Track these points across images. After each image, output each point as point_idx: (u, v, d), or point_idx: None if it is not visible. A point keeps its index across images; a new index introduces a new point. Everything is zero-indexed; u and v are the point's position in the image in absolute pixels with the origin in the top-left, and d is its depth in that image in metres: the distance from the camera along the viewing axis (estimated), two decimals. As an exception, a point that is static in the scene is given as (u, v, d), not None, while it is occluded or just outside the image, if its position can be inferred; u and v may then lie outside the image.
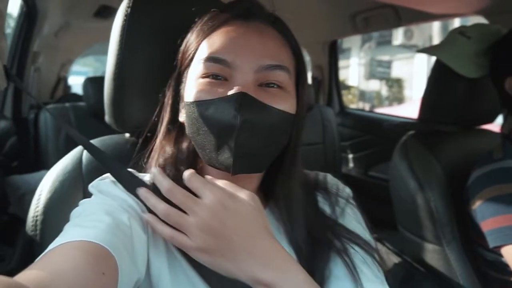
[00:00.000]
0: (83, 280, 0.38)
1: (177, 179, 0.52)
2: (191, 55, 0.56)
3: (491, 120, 1.16)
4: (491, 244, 0.88)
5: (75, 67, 4.33)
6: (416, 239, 1.04)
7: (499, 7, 1.32)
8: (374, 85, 12.51)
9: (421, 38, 10.03)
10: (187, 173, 0.48)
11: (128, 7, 0.67)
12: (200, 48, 0.55)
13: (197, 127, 0.53)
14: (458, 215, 1.00)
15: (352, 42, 12.63)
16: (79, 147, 0.73)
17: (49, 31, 2.13)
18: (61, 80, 3.10)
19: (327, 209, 0.63)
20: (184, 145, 0.59)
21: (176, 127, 0.60)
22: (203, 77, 0.53)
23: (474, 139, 1.15)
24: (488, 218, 0.89)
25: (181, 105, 0.59)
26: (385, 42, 11.33)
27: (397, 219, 1.12)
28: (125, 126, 0.71)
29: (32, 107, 2.14)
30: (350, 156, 2.32)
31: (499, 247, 0.87)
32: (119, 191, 0.53)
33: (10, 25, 1.96)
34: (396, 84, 12.04)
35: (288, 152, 0.58)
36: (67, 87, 3.49)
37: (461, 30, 1.10)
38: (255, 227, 0.46)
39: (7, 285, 0.32)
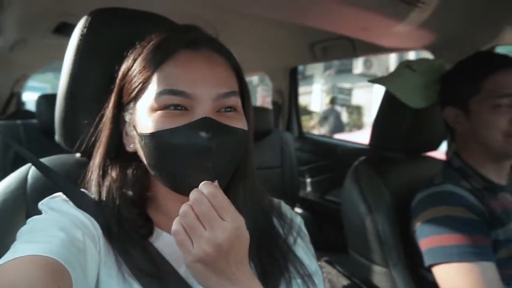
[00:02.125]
0: None
1: (124, 203, 0.56)
2: (139, 86, 0.56)
3: (435, 147, 1.24)
4: (426, 263, 0.92)
5: (32, 83, 4.18)
6: (365, 261, 1.07)
7: (444, 44, 1.43)
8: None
9: (380, 68, 10.54)
10: (213, 188, 0.50)
11: (84, 27, 0.68)
12: (153, 80, 0.54)
13: (161, 156, 0.54)
14: (404, 238, 1.04)
15: (315, 69, 13.06)
16: (25, 167, 0.71)
17: (3, 45, 2.06)
18: (14, 96, 2.97)
19: (280, 234, 0.66)
20: (132, 171, 0.59)
21: (122, 155, 0.60)
22: (161, 109, 0.53)
23: (419, 165, 1.21)
24: (425, 238, 0.94)
25: (130, 135, 0.59)
26: (347, 70, 11.80)
27: (348, 242, 1.15)
28: (74, 146, 0.70)
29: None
30: (308, 180, 2.37)
31: (432, 266, 0.91)
32: (71, 209, 0.54)
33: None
34: (356, 111, 12.50)
35: (240, 166, 0.61)
36: (21, 103, 3.35)
37: (407, 64, 1.17)
38: (243, 253, 0.51)
39: None
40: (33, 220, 0.52)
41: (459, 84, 1.02)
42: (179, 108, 0.53)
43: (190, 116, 0.53)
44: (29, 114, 2.55)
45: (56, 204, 0.55)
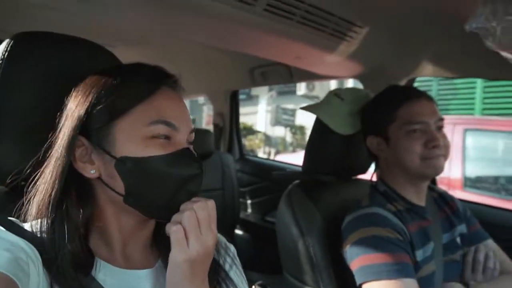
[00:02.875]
0: None
1: (68, 237, 0.56)
2: (120, 112, 0.58)
3: (363, 171, 1.32)
4: (358, 281, 0.97)
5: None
6: (298, 283, 1.10)
7: (371, 74, 1.55)
8: (280, 132, 13.20)
9: (322, 90, 10.97)
10: (211, 202, 0.58)
11: (6, 51, 0.65)
12: (141, 109, 0.58)
13: (147, 180, 0.57)
14: (335, 259, 1.09)
15: (260, 90, 13.32)
16: None
17: None
18: None
19: (217, 260, 0.70)
20: (84, 199, 0.59)
21: (71, 182, 0.58)
22: (152, 137, 0.57)
23: (349, 188, 1.28)
24: (356, 258, 0.98)
25: (89, 161, 0.59)
26: (290, 92, 12.16)
27: (282, 264, 1.18)
28: None
29: None
30: (249, 201, 2.39)
31: (362, 283, 0.96)
32: (11, 235, 0.54)
33: None
34: (299, 131, 12.87)
35: None
36: None
37: (336, 92, 1.25)
38: (209, 263, 0.59)
39: None
40: None
41: (378, 114, 1.11)
42: (162, 137, 0.58)
43: (173, 145, 0.58)
44: None
45: None
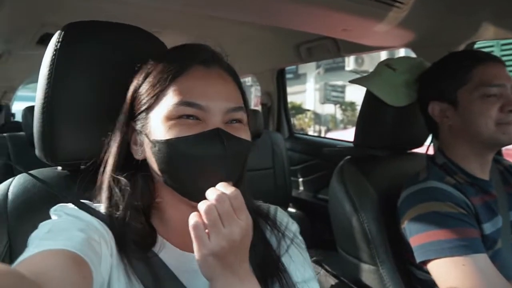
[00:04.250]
0: (70, 279, 0.43)
1: (132, 212, 0.59)
2: (154, 97, 0.59)
3: (419, 144, 1.26)
4: (418, 260, 0.93)
5: (25, 92, 4.16)
6: (353, 259, 1.09)
7: (424, 42, 1.45)
8: (329, 109, 12.96)
9: (371, 64, 10.58)
10: (235, 190, 0.53)
11: (58, 41, 0.68)
12: (169, 92, 0.58)
13: (175, 162, 0.57)
14: (391, 235, 1.06)
15: (307, 68, 13.10)
16: (5, 183, 0.71)
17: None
18: (3, 108, 2.96)
19: (273, 242, 0.69)
20: (140, 180, 0.62)
21: (130, 164, 0.62)
22: (176, 118, 0.57)
23: (404, 162, 1.23)
24: (415, 235, 0.95)
25: (140, 143, 0.62)
26: (339, 67, 11.84)
27: (336, 240, 1.17)
28: (56, 160, 0.71)
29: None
30: (300, 179, 2.38)
31: (424, 262, 0.93)
32: (87, 215, 0.58)
33: None
34: (349, 108, 12.54)
35: (240, 177, 0.64)
36: (10, 115, 3.34)
37: (387, 63, 1.19)
38: (247, 249, 0.56)
39: (4, 272, 0.35)
40: (49, 223, 0.55)
41: (447, 77, 1.03)
42: (192, 118, 0.57)
43: (203, 126, 0.57)
44: (18, 126, 2.55)
45: (72, 210, 0.58)
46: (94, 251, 0.50)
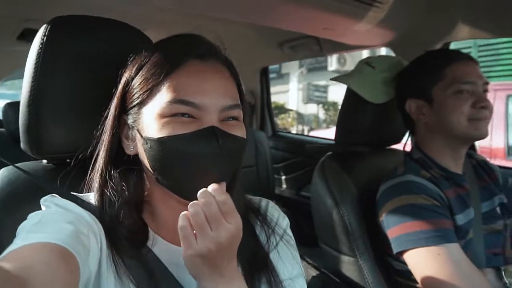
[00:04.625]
0: (56, 273, 0.42)
1: (123, 207, 0.59)
2: (147, 92, 0.57)
3: (398, 140, 1.30)
4: (395, 251, 0.97)
5: (1, 90, 4.07)
6: (333, 252, 1.12)
7: (403, 41, 1.50)
8: (312, 109, 13.05)
9: (353, 64, 10.70)
10: (223, 194, 0.53)
11: (44, 35, 0.69)
12: (163, 88, 0.56)
13: (168, 161, 0.55)
14: (370, 228, 1.09)
15: (290, 67, 13.16)
16: None
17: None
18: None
19: (262, 237, 0.68)
20: (131, 175, 0.61)
21: (122, 159, 0.61)
22: (170, 116, 0.55)
23: (383, 158, 1.27)
24: (392, 227, 0.98)
25: (130, 139, 0.61)
26: (321, 68, 11.93)
27: (317, 235, 1.19)
28: (41, 153, 0.71)
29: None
30: (283, 177, 2.41)
31: (401, 253, 0.96)
32: (76, 207, 0.57)
33: None
34: (332, 108, 12.66)
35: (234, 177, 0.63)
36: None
37: (367, 61, 1.23)
38: (235, 250, 0.56)
39: None
40: (39, 214, 0.54)
41: (421, 76, 1.07)
42: (186, 116, 0.55)
43: (197, 124, 0.55)
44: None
45: (62, 202, 0.58)
46: (82, 244, 0.50)
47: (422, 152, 1.09)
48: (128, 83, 0.60)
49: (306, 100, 12.45)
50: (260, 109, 2.46)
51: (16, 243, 0.46)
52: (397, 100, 1.15)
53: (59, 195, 0.60)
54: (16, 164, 0.71)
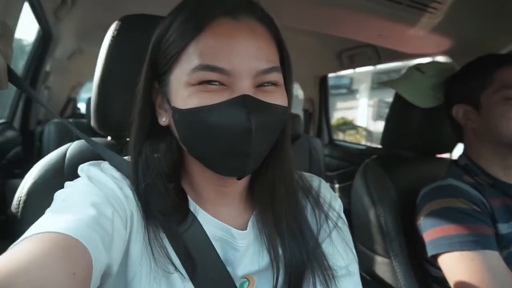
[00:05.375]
0: (52, 279, 0.37)
1: (159, 177, 0.55)
2: (173, 58, 0.52)
3: (448, 149, 1.26)
4: (429, 254, 0.96)
5: (85, 95, 4.52)
6: (368, 252, 1.12)
7: (461, 49, 1.46)
8: (382, 126, 12.62)
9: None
10: None
11: (116, 30, 0.81)
12: (189, 52, 0.50)
13: (197, 134, 0.51)
14: (408, 232, 1.08)
15: (360, 83, 12.90)
16: (66, 145, 0.84)
17: (62, 54, 2.33)
18: (71, 101, 3.30)
19: (313, 222, 0.63)
20: (166, 145, 0.58)
21: (155, 130, 0.58)
22: (197, 84, 0.50)
23: (430, 165, 1.24)
24: (428, 230, 0.97)
25: (164, 108, 0.57)
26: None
27: (353, 234, 1.20)
28: (106, 129, 0.83)
29: (39, 122, 2.31)
30: (336, 186, 2.41)
31: (435, 257, 0.95)
32: (109, 181, 0.53)
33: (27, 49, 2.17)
34: (403, 126, 12.10)
35: (278, 144, 0.58)
36: (76, 108, 3.69)
37: (417, 66, 1.22)
38: None
39: None
40: (69, 187, 0.53)
41: (469, 80, 1.05)
42: (215, 84, 0.49)
43: (229, 93, 0.49)
44: (82, 116, 2.83)
45: (95, 173, 0.54)
46: (102, 232, 0.46)
47: (469, 159, 1.06)
48: (156, 47, 0.55)
49: (376, 117, 12.09)
50: (318, 117, 2.49)
51: (33, 229, 0.43)
52: (445, 105, 1.13)
53: (109, 161, 0.59)
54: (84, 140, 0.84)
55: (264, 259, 0.59)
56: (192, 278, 0.54)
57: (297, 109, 2.52)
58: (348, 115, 12.93)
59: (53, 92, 2.65)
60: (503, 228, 0.94)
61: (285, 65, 0.56)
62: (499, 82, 0.98)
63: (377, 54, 1.83)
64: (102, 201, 0.50)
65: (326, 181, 2.12)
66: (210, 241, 0.56)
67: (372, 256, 1.11)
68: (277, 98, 0.53)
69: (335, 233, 0.63)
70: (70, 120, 1.87)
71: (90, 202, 0.48)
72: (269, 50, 0.52)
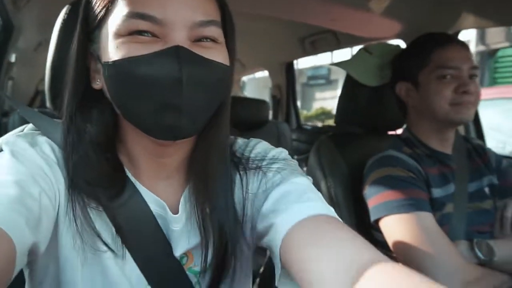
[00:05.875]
0: None
1: (90, 148, 0.52)
2: (103, 10, 0.49)
3: (396, 127, 1.34)
4: (372, 219, 1.04)
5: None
6: (321, 222, 1.19)
7: (413, 33, 1.53)
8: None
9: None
10: None
11: (66, 13, 0.85)
12: (119, 2, 0.48)
13: (127, 89, 0.48)
14: (357, 202, 1.16)
15: (339, 74, 13.08)
16: (19, 128, 0.87)
17: (27, 46, 2.31)
18: (39, 93, 3.27)
19: (241, 195, 0.60)
20: (98, 111, 0.54)
21: (90, 96, 0.54)
22: (127, 35, 0.47)
23: (379, 141, 1.31)
24: (371, 197, 1.05)
25: (97, 70, 0.53)
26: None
27: (309, 207, 1.28)
28: (58, 108, 0.87)
29: (5, 114, 2.29)
30: (305, 168, 2.48)
31: (377, 221, 1.03)
32: (35, 155, 0.50)
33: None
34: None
35: (219, 110, 0.55)
36: (45, 101, 3.62)
37: (365, 48, 1.30)
38: None
39: None
40: None
41: (410, 60, 1.13)
42: (147, 34, 0.47)
43: (161, 44, 0.46)
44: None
45: (21, 147, 0.50)
46: (26, 214, 0.43)
47: (410, 132, 1.14)
48: (88, 2, 0.52)
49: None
50: (286, 103, 2.56)
51: None
52: (390, 84, 1.21)
53: (43, 131, 0.55)
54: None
55: (198, 236, 0.57)
56: (133, 257, 0.53)
57: (265, 96, 2.58)
58: (327, 105, 13.11)
59: (20, 84, 2.63)
60: (437, 192, 1.03)
61: (226, 23, 0.54)
62: (435, 62, 1.06)
63: (336, 40, 1.90)
64: (27, 178, 0.46)
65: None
66: (154, 217, 0.54)
67: (324, 225, 1.19)
68: (215, 55, 0.50)
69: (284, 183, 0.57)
70: (35, 109, 1.87)
71: (15, 181, 0.44)
72: (208, 4, 0.50)
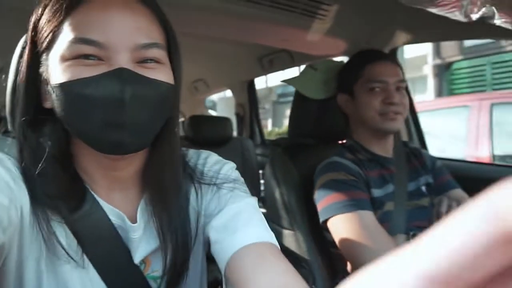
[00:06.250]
0: None
1: (46, 164, 0.53)
2: (50, 35, 0.51)
3: (344, 136, 1.45)
4: (321, 220, 1.13)
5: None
6: (277, 227, 1.28)
7: (356, 50, 1.67)
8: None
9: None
10: None
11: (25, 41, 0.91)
12: (65, 28, 0.50)
13: (74, 109, 0.50)
14: (310, 207, 1.25)
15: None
16: None
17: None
18: (2, 119, 3.23)
19: (196, 204, 0.64)
20: (50, 131, 0.56)
21: (42, 114, 0.56)
22: (73, 58, 0.49)
23: (328, 150, 1.41)
24: (319, 201, 1.15)
25: (46, 89, 0.54)
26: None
27: (267, 215, 1.36)
28: None
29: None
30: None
31: (325, 222, 1.12)
32: (0, 169, 0.51)
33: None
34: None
35: (166, 126, 0.58)
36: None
37: (311, 65, 1.42)
38: None
39: None
40: None
41: (347, 73, 1.27)
42: (92, 58, 0.49)
43: (105, 67, 0.49)
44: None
45: None
46: None
47: (353, 140, 1.26)
48: (35, 26, 0.54)
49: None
50: (249, 120, 2.66)
51: None
52: (334, 97, 1.33)
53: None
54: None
55: (156, 242, 0.60)
56: (95, 267, 0.55)
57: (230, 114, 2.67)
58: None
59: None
60: (376, 192, 1.14)
61: (170, 45, 0.57)
62: (365, 76, 1.19)
63: (291, 58, 2.03)
64: None
65: (259, 178, 2.28)
66: (114, 227, 0.56)
67: (280, 230, 1.27)
68: (159, 75, 0.53)
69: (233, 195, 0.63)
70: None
71: None
72: (149, 26, 0.53)
